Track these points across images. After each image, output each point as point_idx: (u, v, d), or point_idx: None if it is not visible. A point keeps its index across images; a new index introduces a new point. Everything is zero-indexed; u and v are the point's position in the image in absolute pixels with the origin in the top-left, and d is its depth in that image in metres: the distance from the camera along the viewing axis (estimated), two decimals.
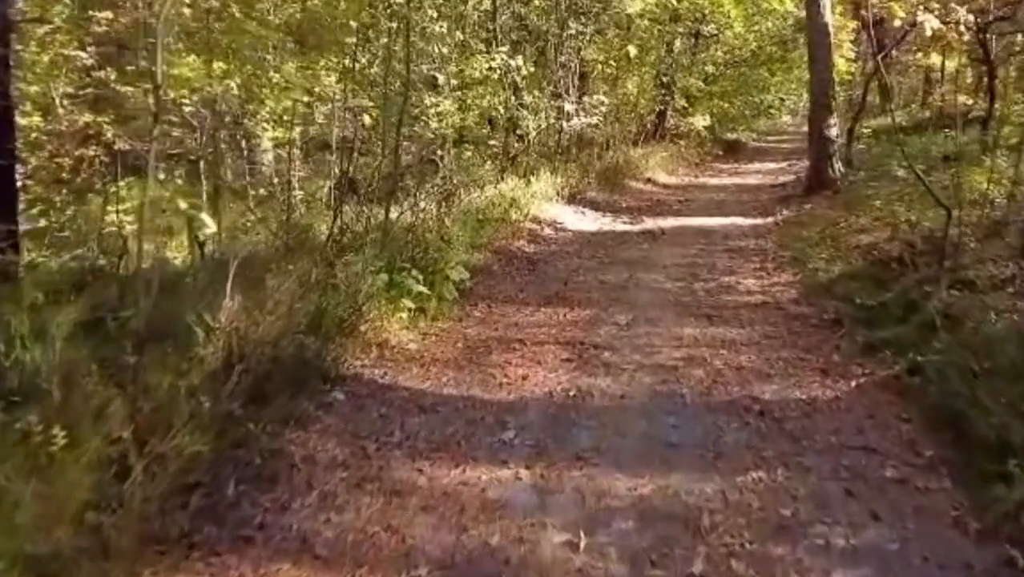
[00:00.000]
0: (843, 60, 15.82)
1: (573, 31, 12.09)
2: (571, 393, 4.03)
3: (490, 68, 7.90)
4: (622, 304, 5.73)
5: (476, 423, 3.70)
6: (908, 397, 3.78)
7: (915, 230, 5.83)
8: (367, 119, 4.95)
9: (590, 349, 4.69)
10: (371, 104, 6.20)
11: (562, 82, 11.88)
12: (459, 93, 8.06)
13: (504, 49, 8.46)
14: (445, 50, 7.70)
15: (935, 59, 15.55)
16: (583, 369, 4.37)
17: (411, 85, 5.91)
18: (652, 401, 3.93)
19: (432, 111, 8.05)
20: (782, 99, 24.73)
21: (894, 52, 16.71)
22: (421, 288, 4.75)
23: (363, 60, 5.78)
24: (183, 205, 4.01)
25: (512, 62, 7.90)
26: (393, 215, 6.49)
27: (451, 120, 7.55)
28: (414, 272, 4.75)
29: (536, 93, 10.19)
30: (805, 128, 27.00)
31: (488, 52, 8.33)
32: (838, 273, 5.97)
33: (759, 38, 18.92)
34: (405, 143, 7.53)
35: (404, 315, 4.59)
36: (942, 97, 18.29)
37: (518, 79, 9.10)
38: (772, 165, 16.71)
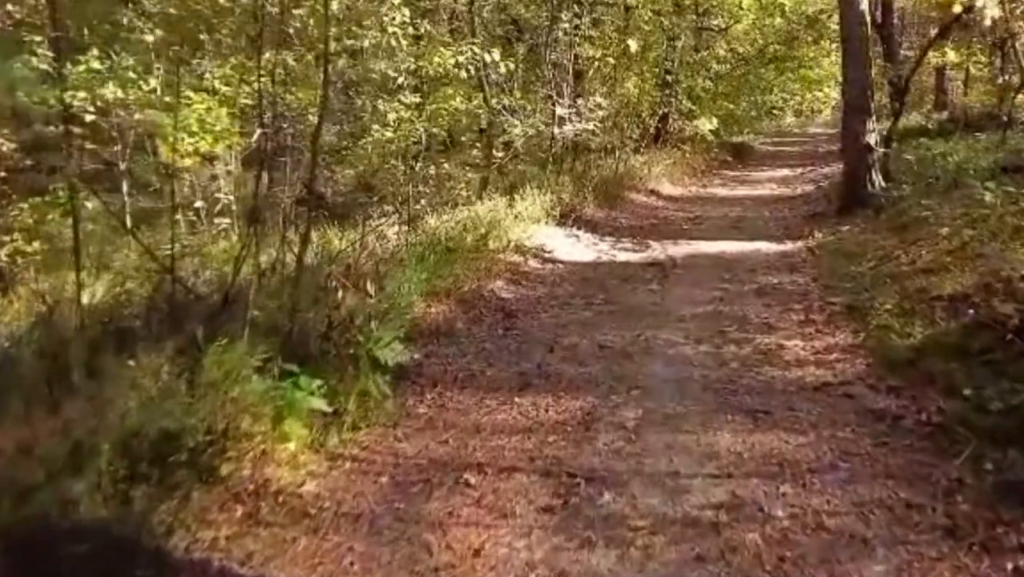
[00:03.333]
0: None
1: (566, 24, 10.51)
2: None
3: (456, 64, 6.30)
4: (627, 387, 4.14)
5: None
6: None
7: None
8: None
9: (581, 485, 3.09)
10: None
11: (554, 83, 10.30)
12: (418, 96, 6.45)
13: (476, 41, 6.86)
14: (403, 42, 6.10)
15: (950, 57, 14.11)
16: (570, 530, 2.78)
17: (331, 84, 4.32)
18: None
19: (392, 116, 6.48)
20: (786, 99, 23.42)
21: (900, 51, 15.22)
22: (318, 403, 3.13)
23: (271, 53, 4.17)
24: None
25: (486, 56, 6.32)
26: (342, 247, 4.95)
27: (407, 128, 5.94)
28: (303, 379, 3.12)
29: (518, 95, 8.58)
30: (811, 130, 25.69)
31: (454, 44, 6.72)
32: (922, 339, 4.38)
33: (766, 35, 17.45)
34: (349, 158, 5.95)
35: (292, 445, 2.98)
36: (966, 96, 16.83)
37: (497, 77, 7.50)
38: (786, 172, 15.18)
